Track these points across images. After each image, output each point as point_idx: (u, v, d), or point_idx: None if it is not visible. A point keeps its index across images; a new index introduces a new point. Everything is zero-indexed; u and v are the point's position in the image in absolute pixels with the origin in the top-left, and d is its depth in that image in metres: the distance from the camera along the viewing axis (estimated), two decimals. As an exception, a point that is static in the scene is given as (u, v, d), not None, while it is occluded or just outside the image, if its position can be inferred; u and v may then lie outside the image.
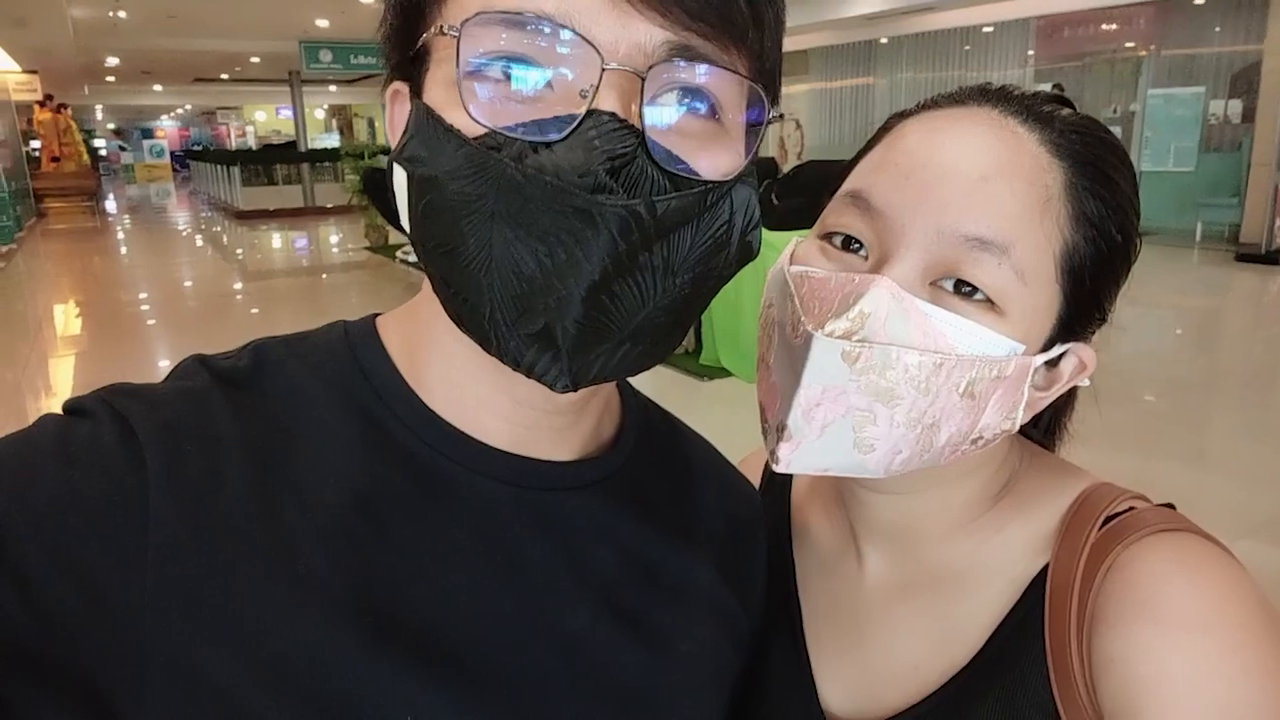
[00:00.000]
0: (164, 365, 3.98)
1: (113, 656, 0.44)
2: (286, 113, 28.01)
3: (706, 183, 0.46)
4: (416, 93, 0.49)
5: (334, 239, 14.60)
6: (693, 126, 0.47)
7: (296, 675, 0.46)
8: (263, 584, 0.47)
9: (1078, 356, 0.58)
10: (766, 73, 0.49)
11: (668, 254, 0.45)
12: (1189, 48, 11.44)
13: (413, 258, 7.90)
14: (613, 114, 0.43)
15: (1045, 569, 0.57)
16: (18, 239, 12.58)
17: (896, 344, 0.52)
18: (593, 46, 0.43)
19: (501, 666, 0.51)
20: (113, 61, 19.23)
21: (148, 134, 38.65)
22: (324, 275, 11.11)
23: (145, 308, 8.63)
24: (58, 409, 0.51)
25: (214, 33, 14.95)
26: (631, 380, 0.60)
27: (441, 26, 0.46)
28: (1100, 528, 0.56)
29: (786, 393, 0.55)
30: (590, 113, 0.43)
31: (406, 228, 0.50)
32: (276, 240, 14.56)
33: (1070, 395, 0.67)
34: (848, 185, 0.59)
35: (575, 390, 0.47)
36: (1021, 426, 0.59)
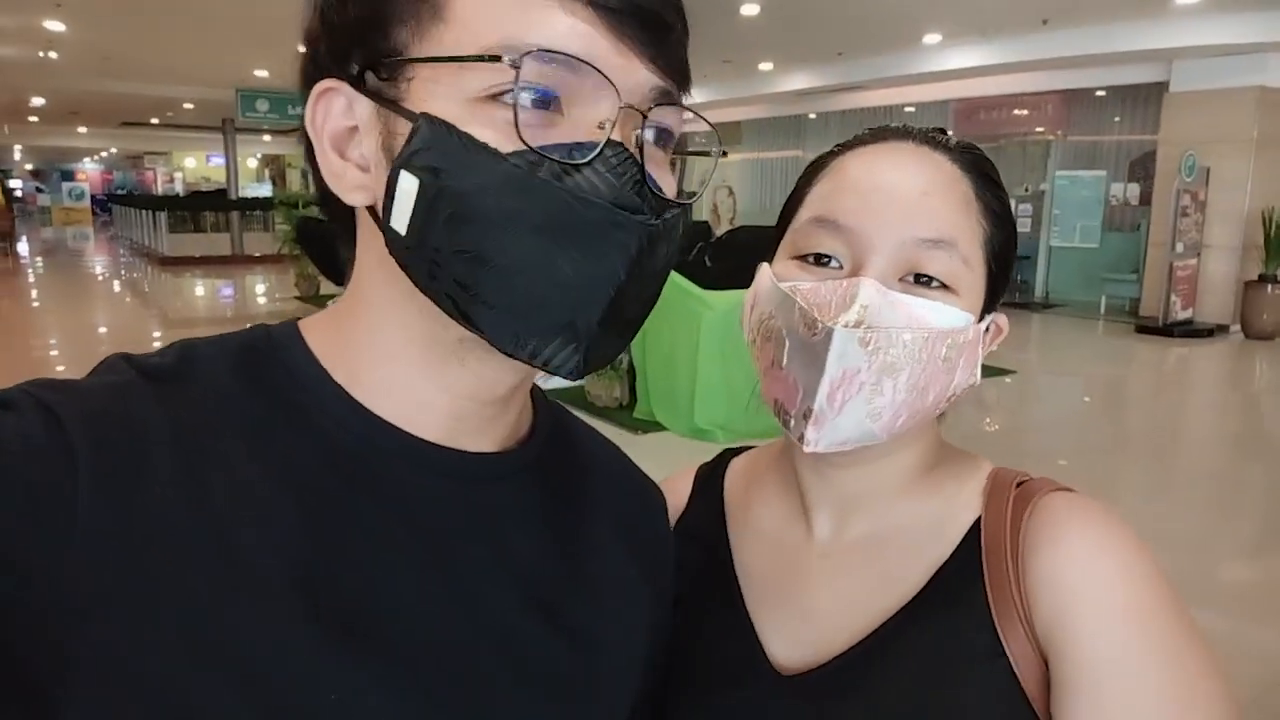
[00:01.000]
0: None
1: (44, 647, 0.44)
2: (217, 160, 27.56)
3: (683, 202, 0.56)
4: (390, 101, 0.52)
5: (260, 287, 14.36)
6: (658, 155, 0.57)
7: (233, 658, 0.47)
8: (194, 568, 0.48)
9: (996, 323, 0.73)
10: None
11: (658, 259, 0.54)
12: (1092, 134, 12.28)
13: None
14: (622, 144, 0.51)
15: (977, 522, 0.70)
16: (-78, 278, 12.02)
17: (894, 327, 0.65)
18: (614, 86, 0.51)
19: (433, 649, 0.54)
20: (38, 101, 18.55)
21: (68, 176, 37.54)
22: (249, 324, 10.71)
23: (54, 353, 8.33)
24: None
25: (149, 76, 14.55)
26: None
27: (487, 54, 0.49)
28: (1016, 488, 0.70)
29: (810, 382, 0.65)
30: (609, 142, 0.51)
31: (401, 233, 0.52)
32: (200, 288, 14.25)
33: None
34: (811, 213, 0.72)
35: (581, 377, 0.54)
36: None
